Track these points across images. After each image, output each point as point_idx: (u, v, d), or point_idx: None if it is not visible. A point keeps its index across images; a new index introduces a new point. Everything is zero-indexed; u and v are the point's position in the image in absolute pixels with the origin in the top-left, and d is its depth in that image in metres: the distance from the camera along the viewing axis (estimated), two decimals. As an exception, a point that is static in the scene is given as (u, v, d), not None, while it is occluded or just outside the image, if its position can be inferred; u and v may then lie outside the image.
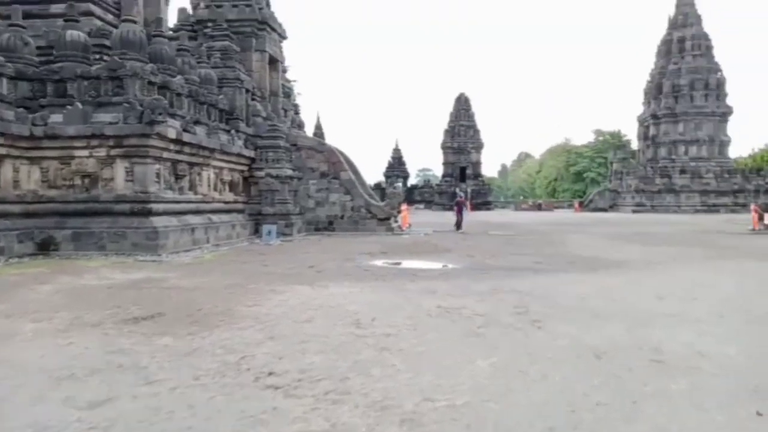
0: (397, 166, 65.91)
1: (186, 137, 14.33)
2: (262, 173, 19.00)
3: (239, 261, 11.66)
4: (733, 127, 47.71)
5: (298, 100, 55.47)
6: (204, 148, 15.53)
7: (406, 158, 66.63)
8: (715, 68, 48.42)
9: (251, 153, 18.92)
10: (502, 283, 8.18)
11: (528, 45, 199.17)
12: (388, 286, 7.95)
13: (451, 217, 35.23)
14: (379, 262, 11.12)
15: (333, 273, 9.55)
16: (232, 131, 17.83)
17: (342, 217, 20.20)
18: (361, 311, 6.15)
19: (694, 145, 46.85)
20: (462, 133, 60.04)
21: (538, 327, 5.36)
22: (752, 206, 22.04)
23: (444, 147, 61.10)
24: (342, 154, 21.96)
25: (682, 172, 45.49)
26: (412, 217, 36.00)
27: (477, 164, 61.20)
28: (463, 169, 60.28)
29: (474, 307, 6.37)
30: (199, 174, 15.92)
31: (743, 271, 9.78)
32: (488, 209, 55.78)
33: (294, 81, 51.75)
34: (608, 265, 10.52)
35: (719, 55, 50.02)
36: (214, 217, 16.32)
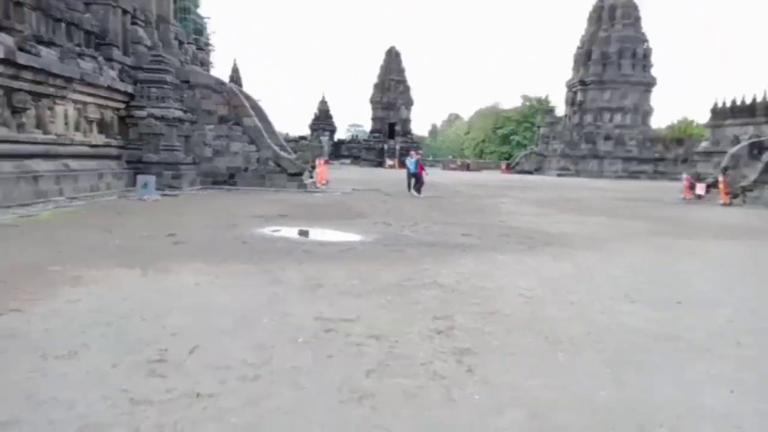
0: (323, 119, 62.36)
1: (23, 58, 10.87)
2: (143, 113, 15.66)
3: (79, 224, 8.74)
4: (654, 97, 48.10)
5: (213, 40, 50.30)
6: (56, 75, 12.05)
7: (335, 112, 63.42)
8: (643, 38, 48.24)
9: (128, 87, 15.46)
10: (420, 270, 5.97)
11: (461, 7, 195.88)
12: (257, 274, 5.52)
13: (379, 174, 32.98)
14: (268, 230, 8.62)
15: (195, 247, 6.96)
16: (100, 59, 14.29)
17: (246, 170, 17.31)
18: (186, 329, 3.71)
19: (619, 113, 46.88)
20: (392, 88, 57.16)
21: (468, 371, 3.17)
22: (684, 175, 21.32)
23: (373, 102, 58.12)
24: (248, 97, 18.84)
25: (607, 138, 45.53)
26: (336, 173, 33.35)
27: (406, 121, 58.83)
28: (392, 126, 57.77)
29: (372, 319, 4.10)
30: (51, 109, 12.46)
31: (705, 254, 8.19)
32: (415, 168, 54.00)
33: (207, 18, 46.57)
34: (548, 241, 8.63)
35: (645, 25, 49.87)
36: (74, 164, 13.01)
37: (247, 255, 6.49)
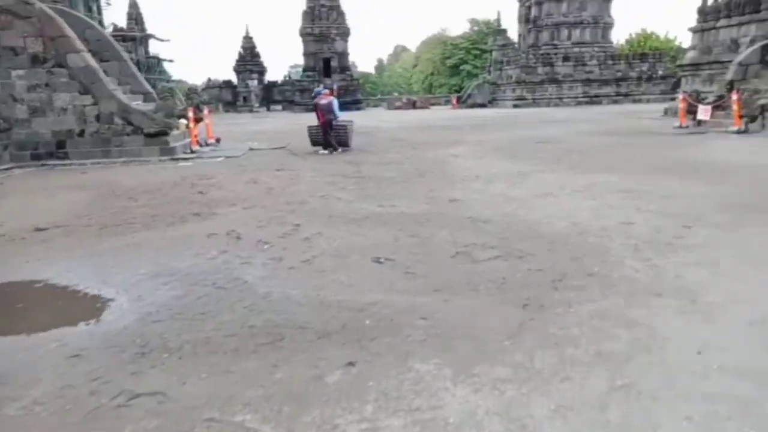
0: (249, 59, 54.93)
1: None
2: None
3: None
4: (614, 7, 43.45)
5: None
6: None
7: (270, 52, 56.07)
8: (601, -63, 42.88)
9: None
10: None
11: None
12: None
13: (307, 122, 27.74)
14: None
15: None
16: None
17: (81, 134, 11.81)
18: None
19: (578, 28, 41.97)
20: (324, 15, 50.19)
21: None
22: (680, 95, 16.90)
23: (303, 34, 50.99)
24: (81, 19, 13.00)
25: (566, 59, 40.74)
26: (254, 124, 27.66)
27: (344, 55, 52.30)
28: (327, 61, 51.24)
29: None
30: None
31: None
32: (358, 109, 48.27)
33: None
34: (564, 267, 3.98)
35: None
36: None
37: None
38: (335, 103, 12.51)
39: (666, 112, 21.28)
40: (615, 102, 39.81)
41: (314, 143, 12.77)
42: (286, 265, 4.18)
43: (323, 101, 12.39)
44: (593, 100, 40.24)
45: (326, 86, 46.39)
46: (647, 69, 41.00)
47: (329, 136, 12.38)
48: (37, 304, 3.54)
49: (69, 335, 2.98)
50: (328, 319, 3.04)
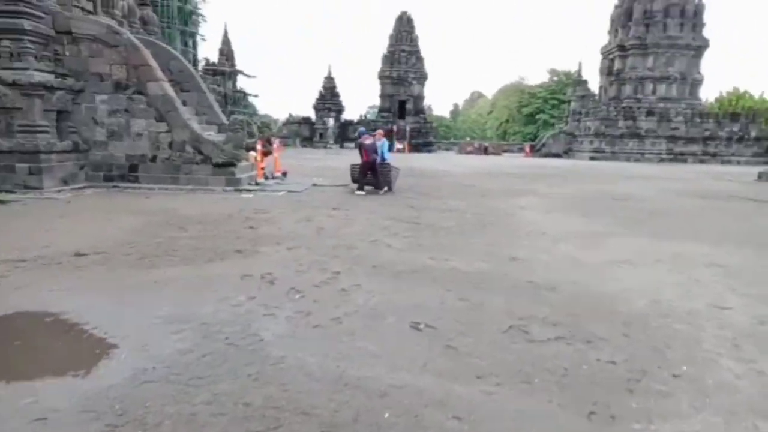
0: (329, 98, 56.65)
1: None
2: (-16, 77, 10.58)
3: None
4: (704, 63, 41.37)
5: (206, 11, 44.72)
6: None
7: (349, 92, 57.89)
8: (694, -7, 41.35)
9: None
10: None
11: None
12: None
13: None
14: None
15: None
16: None
17: (153, 160, 12.14)
18: None
19: (664, 83, 40.21)
20: (403, 60, 51.20)
21: None
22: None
23: (382, 76, 52.25)
24: (167, 51, 13.60)
25: (649, 113, 38.96)
26: (326, 159, 28.04)
27: (419, 98, 52.91)
28: (402, 103, 51.97)
29: None
30: None
31: None
32: (429, 151, 48.33)
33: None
34: (653, 365, 3.28)
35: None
36: None
37: None
38: (382, 144, 12.43)
39: (761, 176, 19.53)
40: (701, 162, 37.41)
41: (354, 181, 12.76)
42: (312, 321, 3.71)
43: (368, 141, 12.29)
44: (677, 158, 38.04)
45: (399, 127, 46.55)
46: (738, 129, 38.42)
47: (371, 176, 12.27)
48: (36, 344, 3.24)
49: (48, 390, 2.62)
50: (340, 405, 2.50)
